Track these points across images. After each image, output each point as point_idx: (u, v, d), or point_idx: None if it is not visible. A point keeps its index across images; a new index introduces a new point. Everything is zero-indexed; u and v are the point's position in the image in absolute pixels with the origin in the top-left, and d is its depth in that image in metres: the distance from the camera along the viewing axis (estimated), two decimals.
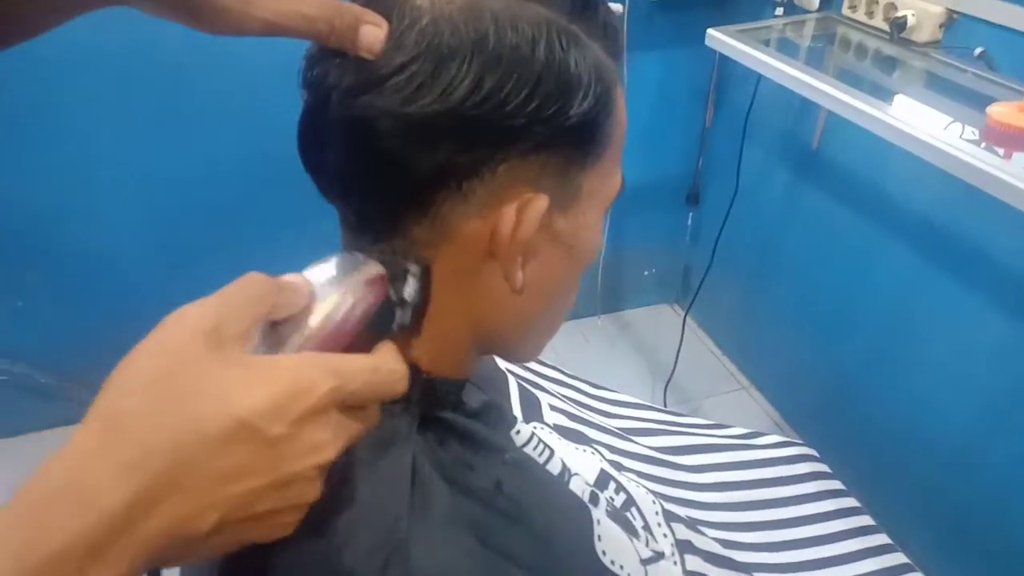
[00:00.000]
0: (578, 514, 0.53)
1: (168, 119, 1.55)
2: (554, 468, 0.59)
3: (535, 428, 0.62)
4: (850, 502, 0.93)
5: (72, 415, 1.92)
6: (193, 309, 0.32)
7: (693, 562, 0.70)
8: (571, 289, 0.51)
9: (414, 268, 0.43)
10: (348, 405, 0.34)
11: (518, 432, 0.57)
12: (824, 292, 1.69)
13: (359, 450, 0.42)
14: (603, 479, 0.70)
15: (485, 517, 0.46)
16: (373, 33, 0.38)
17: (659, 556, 0.63)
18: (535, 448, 0.58)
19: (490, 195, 0.41)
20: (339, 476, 0.40)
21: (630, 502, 0.70)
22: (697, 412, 1.88)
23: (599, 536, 0.54)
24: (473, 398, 0.53)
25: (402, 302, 0.42)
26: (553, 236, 0.44)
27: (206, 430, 0.30)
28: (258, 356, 0.33)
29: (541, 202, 0.41)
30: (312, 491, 0.34)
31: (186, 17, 0.37)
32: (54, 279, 1.66)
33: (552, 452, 0.60)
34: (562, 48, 0.39)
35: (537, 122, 0.39)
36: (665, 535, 0.71)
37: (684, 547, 0.71)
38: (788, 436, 1.02)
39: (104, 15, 0.40)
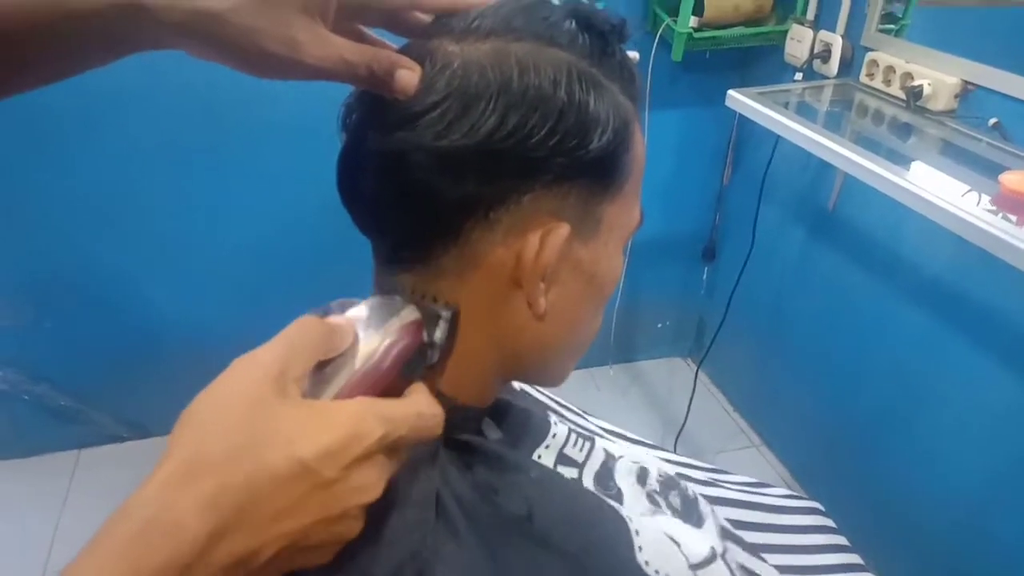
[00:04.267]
0: (614, 527, 0.53)
1: (204, 150, 1.61)
2: (596, 460, 0.60)
3: (571, 426, 0.63)
4: (854, 558, 0.93)
5: (89, 438, 1.95)
6: (264, 354, 0.36)
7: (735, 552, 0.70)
8: (593, 318, 0.53)
9: (445, 313, 0.45)
10: (393, 448, 0.37)
11: (554, 436, 0.58)
12: (836, 351, 1.70)
13: None
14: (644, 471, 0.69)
15: (512, 541, 0.47)
16: (408, 77, 0.41)
17: (711, 558, 0.61)
18: (574, 445, 0.59)
19: (515, 224, 0.43)
20: None
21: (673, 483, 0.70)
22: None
23: (640, 547, 0.54)
24: (492, 431, 0.55)
25: (432, 344, 0.45)
26: (574, 264, 0.47)
27: (274, 471, 0.33)
28: (318, 402, 0.37)
29: (563, 230, 0.44)
30: (356, 526, 0.36)
31: (234, 61, 0.40)
32: (82, 302, 1.70)
33: (592, 443, 0.61)
34: (582, 88, 0.43)
35: (559, 155, 0.42)
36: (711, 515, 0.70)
37: (726, 535, 0.71)
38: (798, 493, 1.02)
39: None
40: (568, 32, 0.44)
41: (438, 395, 0.47)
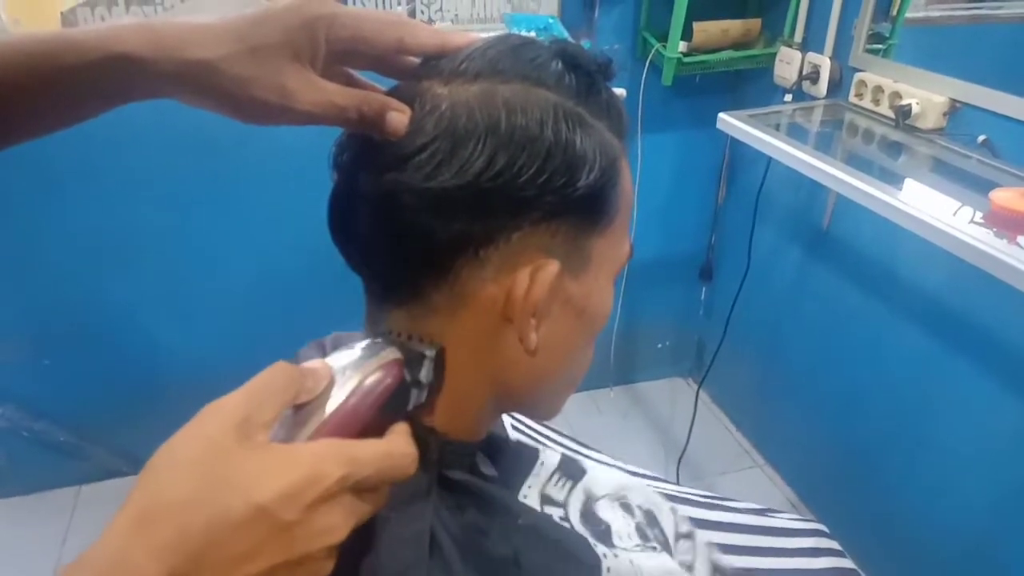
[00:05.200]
0: (589, 572, 0.54)
1: (203, 185, 1.62)
2: (577, 500, 0.60)
3: (564, 451, 0.63)
4: None
5: (89, 474, 1.94)
6: (228, 402, 0.36)
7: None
8: (584, 350, 0.53)
9: (430, 352, 0.45)
10: (360, 489, 0.37)
11: (543, 464, 0.59)
12: (836, 370, 1.70)
13: (384, 508, 0.43)
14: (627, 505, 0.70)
15: None
16: (397, 119, 0.42)
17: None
18: (556, 483, 0.60)
19: (505, 261, 0.44)
20: (359, 533, 0.42)
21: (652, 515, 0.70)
22: (711, 489, 1.86)
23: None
24: (486, 467, 0.55)
25: (417, 383, 0.45)
26: (565, 300, 0.47)
27: (232, 516, 0.33)
28: (279, 445, 0.36)
29: (552, 267, 0.44)
30: (323, 568, 0.36)
31: (227, 109, 0.41)
32: (82, 338, 1.70)
33: (575, 483, 0.61)
34: (568, 128, 0.43)
35: (547, 193, 0.43)
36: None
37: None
38: (803, 515, 1.01)
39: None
40: (555, 73, 0.45)
41: (430, 432, 0.48)
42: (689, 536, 0.71)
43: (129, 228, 1.61)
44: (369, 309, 0.50)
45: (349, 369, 0.42)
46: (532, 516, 0.55)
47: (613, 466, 0.76)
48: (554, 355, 0.49)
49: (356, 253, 0.48)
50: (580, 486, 0.63)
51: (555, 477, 0.60)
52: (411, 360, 0.45)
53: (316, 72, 0.42)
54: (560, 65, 0.46)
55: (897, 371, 1.52)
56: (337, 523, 0.36)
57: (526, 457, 0.59)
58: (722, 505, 0.95)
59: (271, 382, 0.37)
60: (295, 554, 0.34)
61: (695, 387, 2.12)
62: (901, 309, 1.48)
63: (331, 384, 0.40)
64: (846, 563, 0.95)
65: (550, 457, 0.61)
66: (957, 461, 1.39)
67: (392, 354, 0.44)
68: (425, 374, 0.45)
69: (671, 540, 0.68)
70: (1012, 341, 1.25)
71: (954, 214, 1.08)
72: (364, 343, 0.44)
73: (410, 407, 0.45)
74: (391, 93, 0.45)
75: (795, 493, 1.90)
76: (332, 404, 0.40)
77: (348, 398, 0.40)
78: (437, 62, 0.46)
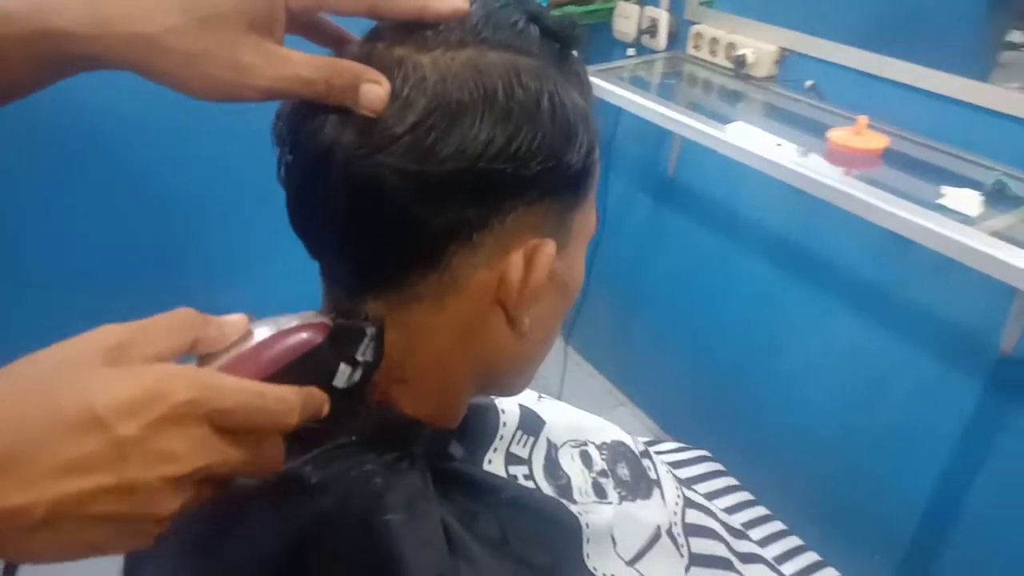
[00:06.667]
0: (574, 536, 0.54)
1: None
2: (540, 453, 0.61)
3: (520, 401, 0.63)
4: (746, 495, 1.01)
5: None
6: (109, 327, 0.33)
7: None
8: (561, 322, 0.52)
9: (370, 329, 0.42)
10: (223, 425, 0.33)
11: (505, 424, 0.58)
12: (692, 308, 1.82)
13: (388, 512, 0.42)
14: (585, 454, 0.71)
15: (507, 564, 0.47)
16: (374, 91, 0.38)
17: (654, 539, 0.64)
18: (519, 442, 0.59)
19: (498, 244, 0.41)
20: (377, 539, 0.41)
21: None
22: None
23: (588, 554, 0.55)
24: (455, 447, 0.53)
25: (351, 360, 0.42)
26: (552, 277, 0.44)
27: (56, 415, 0.30)
28: (138, 364, 0.33)
29: (550, 248, 0.42)
30: (163, 504, 0.32)
31: (177, 86, 0.37)
32: None
33: (536, 437, 0.61)
34: (560, 99, 0.41)
35: (545, 171, 0.40)
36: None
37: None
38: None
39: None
40: (536, 39, 0.42)
41: (416, 423, 0.46)
42: (646, 455, 0.74)
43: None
44: (333, 298, 0.45)
45: (267, 327, 0.39)
46: (513, 489, 0.54)
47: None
48: (539, 333, 0.47)
49: (325, 243, 0.43)
50: (542, 438, 0.63)
51: (518, 435, 0.60)
52: (346, 334, 0.42)
53: (276, 41, 0.38)
54: (537, 31, 0.42)
55: (747, 301, 1.65)
56: (179, 451, 0.32)
57: (490, 423, 0.58)
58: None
59: (165, 320, 0.35)
60: (126, 477, 0.30)
61: (562, 342, 2.19)
62: (746, 245, 1.61)
63: (245, 339, 0.38)
64: (732, 481, 1.03)
65: (510, 415, 0.60)
66: (805, 374, 1.55)
67: (318, 318, 0.41)
68: (362, 352, 0.42)
69: (640, 459, 0.71)
70: (845, 265, 1.39)
71: (801, 154, 1.18)
72: (304, 312, 0.42)
73: (340, 384, 0.41)
74: (357, 59, 0.40)
75: (657, 425, 2.03)
76: (231, 354, 0.38)
77: (247, 351, 0.38)
78: (408, 26, 0.41)
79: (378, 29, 0.43)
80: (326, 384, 0.41)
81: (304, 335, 0.40)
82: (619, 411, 2.11)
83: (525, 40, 0.42)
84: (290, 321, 0.40)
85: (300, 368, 0.39)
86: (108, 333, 0.33)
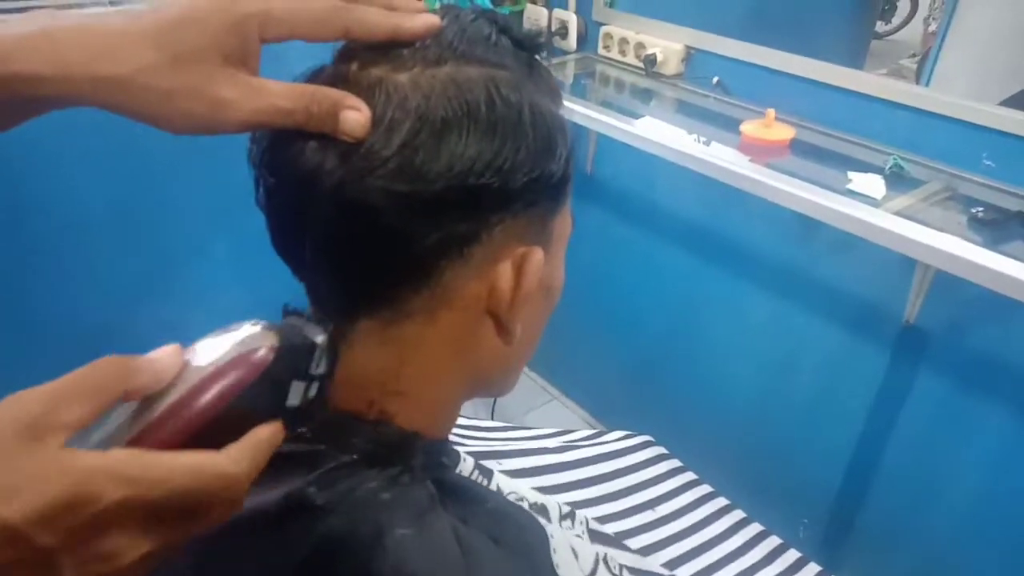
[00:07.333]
0: (543, 544, 0.56)
1: None
2: (493, 487, 0.63)
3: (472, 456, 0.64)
4: (689, 475, 1.06)
5: None
6: (26, 395, 0.31)
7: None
8: (546, 323, 0.53)
9: (320, 339, 0.41)
10: (161, 514, 0.32)
11: (464, 460, 0.60)
12: (615, 300, 1.88)
13: (398, 527, 0.42)
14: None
15: (507, 560, 0.48)
16: (355, 119, 0.38)
17: (596, 564, 0.67)
18: (476, 476, 0.61)
19: (486, 256, 0.42)
20: (390, 557, 0.41)
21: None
22: (523, 424, 1.98)
23: (554, 549, 0.57)
24: (447, 458, 0.54)
25: (305, 375, 0.40)
26: (538, 283, 0.45)
27: None
28: (64, 452, 0.30)
29: (539, 255, 0.43)
30: None
31: (152, 123, 0.36)
32: None
33: (491, 475, 0.63)
34: (540, 110, 0.41)
35: (530, 182, 0.41)
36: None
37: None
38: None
39: None
40: (508, 51, 0.43)
41: (415, 436, 0.46)
42: (570, 516, 0.77)
43: None
44: (318, 317, 0.44)
45: (205, 353, 0.37)
46: (495, 499, 0.55)
47: (504, 471, 0.79)
48: (526, 338, 0.48)
49: (314, 266, 0.43)
50: (494, 482, 0.65)
51: (475, 473, 0.61)
52: (295, 351, 0.40)
53: (252, 72, 0.37)
54: (508, 42, 0.43)
55: (668, 289, 1.72)
56: (115, 549, 0.30)
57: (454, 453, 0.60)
58: (573, 444, 1.04)
59: (84, 379, 0.32)
60: None
61: None
62: (663, 235, 1.67)
63: (182, 374, 0.36)
64: (676, 463, 1.08)
65: (467, 458, 0.61)
66: (725, 353, 1.63)
67: (262, 340, 0.38)
68: (315, 365, 0.40)
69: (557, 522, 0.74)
70: (758, 249, 1.48)
71: (706, 145, 1.24)
72: (245, 326, 0.39)
73: (296, 403, 0.40)
74: (332, 82, 0.40)
75: (590, 414, 2.09)
76: (163, 404, 0.35)
77: (185, 394, 0.35)
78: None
79: (348, 48, 0.42)
80: (279, 407, 0.39)
81: (241, 371, 0.37)
82: (552, 405, 2.15)
83: (498, 53, 0.42)
84: (229, 343, 0.38)
85: (248, 398, 0.37)
86: (19, 404, 0.30)
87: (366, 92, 0.39)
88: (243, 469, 0.35)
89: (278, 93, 0.37)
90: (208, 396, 0.35)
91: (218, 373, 0.36)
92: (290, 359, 0.39)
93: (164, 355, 0.35)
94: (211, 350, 0.37)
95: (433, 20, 0.41)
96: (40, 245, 1.45)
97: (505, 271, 0.43)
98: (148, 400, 0.35)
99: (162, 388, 0.35)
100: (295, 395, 0.40)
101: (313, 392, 0.41)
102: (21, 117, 0.37)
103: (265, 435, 0.37)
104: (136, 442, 0.34)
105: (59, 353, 1.45)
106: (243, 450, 0.35)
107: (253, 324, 0.39)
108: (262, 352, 0.38)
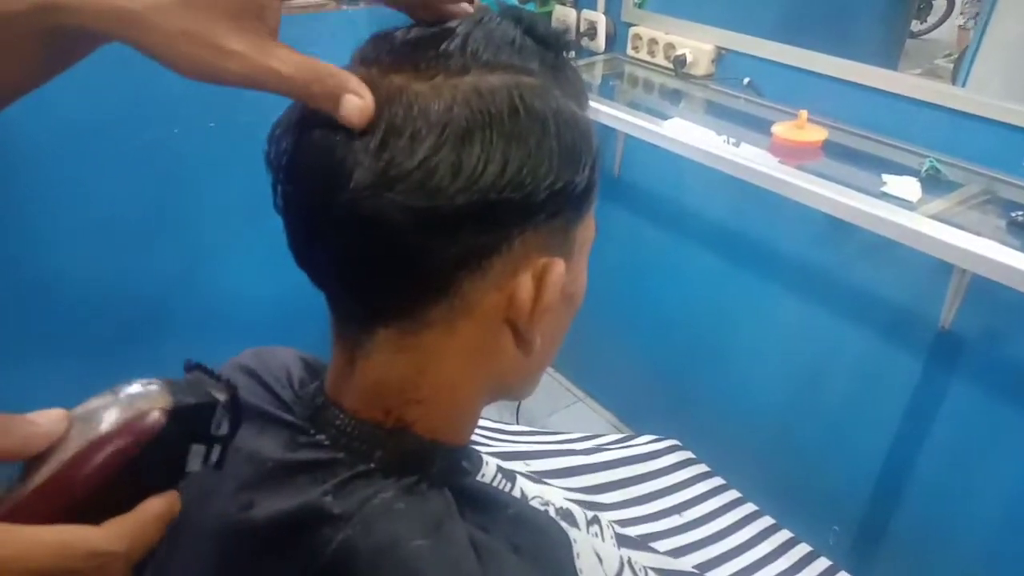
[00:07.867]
0: (567, 551, 0.55)
1: None
2: (516, 493, 0.63)
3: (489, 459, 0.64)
4: (717, 480, 1.05)
5: None
6: None
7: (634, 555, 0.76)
8: (567, 330, 0.52)
9: (222, 397, 0.38)
10: None
11: (487, 464, 0.59)
12: (643, 302, 1.87)
13: (415, 538, 0.41)
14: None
15: (525, 567, 0.48)
16: (356, 103, 0.37)
17: (621, 568, 0.67)
18: (499, 481, 0.60)
19: (506, 266, 0.41)
20: (406, 567, 0.40)
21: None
22: (546, 428, 1.98)
23: (578, 554, 0.56)
24: (467, 464, 0.53)
25: (207, 437, 0.38)
26: (560, 291, 0.44)
27: None
28: None
29: (560, 267, 0.42)
30: None
31: (164, 62, 0.36)
32: None
33: (513, 482, 0.63)
34: (565, 119, 0.40)
35: (554, 194, 0.40)
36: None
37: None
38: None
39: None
40: (534, 54, 0.41)
41: (434, 444, 0.46)
42: (595, 521, 0.76)
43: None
44: (344, 331, 0.45)
45: (94, 422, 0.34)
46: (517, 504, 0.55)
47: (526, 475, 0.79)
48: (548, 345, 0.47)
49: (333, 278, 0.42)
50: (517, 487, 0.64)
51: (498, 477, 0.60)
52: (194, 409, 0.37)
53: (269, 30, 0.37)
54: (532, 43, 0.42)
55: (696, 291, 1.70)
56: None
57: (475, 455, 0.59)
58: (601, 447, 1.03)
59: None
60: None
61: None
62: (691, 237, 1.66)
63: (65, 442, 0.33)
64: (703, 468, 1.07)
65: (490, 462, 0.61)
66: (756, 354, 1.61)
67: (154, 402, 0.35)
68: (216, 426, 0.38)
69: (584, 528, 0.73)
70: (789, 252, 1.46)
71: (735, 146, 1.23)
72: (136, 385, 0.36)
73: (195, 468, 0.37)
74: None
75: (616, 417, 2.07)
76: (46, 470, 0.32)
77: (65, 464, 0.33)
78: (405, 52, 0.40)
79: (368, 53, 0.42)
80: (178, 472, 0.37)
81: (132, 435, 0.34)
82: (578, 407, 2.15)
83: (523, 57, 0.41)
84: (118, 406, 0.35)
85: (142, 464, 0.34)
86: None
87: (386, 100, 0.38)
88: (121, 547, 0.32)
89: (283, 59, 0.37)
90: (90, 467, 0.33)
91: (103, 441, 0.33)
92: (188, 420, 0.37)
93: (43, 419, 0.33)
94: (102, 412, 0.34)
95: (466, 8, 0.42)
96: (69, 243, 1.47)
97: (525, 283, 0.42)
98: (31, 467, 0.33)
99: (43, 454, 0.33)
100: (195, 461, 0.37)
101: (215, 456, 0.38)
102: (57, 59, 0.37)
103: (155, 509, 0.35)
104: (9, 516, 0.32)
105: (86, 351, 1.48)
106: (125, 526, 0.33)
107: (147, 383, 0.37)
108: (153, 415, 0.35)
